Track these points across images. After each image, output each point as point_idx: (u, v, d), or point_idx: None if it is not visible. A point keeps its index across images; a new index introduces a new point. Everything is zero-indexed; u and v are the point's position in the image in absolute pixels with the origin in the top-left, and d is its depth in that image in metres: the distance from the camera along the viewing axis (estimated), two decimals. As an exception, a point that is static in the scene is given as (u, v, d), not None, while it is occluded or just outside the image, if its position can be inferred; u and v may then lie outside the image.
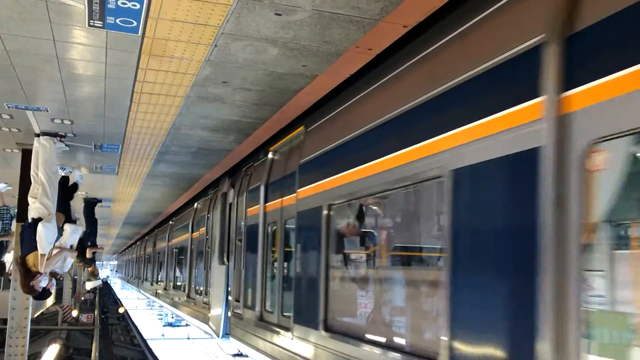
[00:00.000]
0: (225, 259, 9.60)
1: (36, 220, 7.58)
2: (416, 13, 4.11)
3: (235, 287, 8.81)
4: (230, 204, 9.63)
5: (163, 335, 34.91)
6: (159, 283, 20.22)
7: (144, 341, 28.16)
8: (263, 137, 7.99)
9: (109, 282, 70.04)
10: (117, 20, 4.33)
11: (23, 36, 4.73)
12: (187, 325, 27.20)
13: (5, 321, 9.48)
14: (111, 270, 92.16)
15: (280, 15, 4.19)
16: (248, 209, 8.26)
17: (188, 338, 30.87)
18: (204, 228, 11.86)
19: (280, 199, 6.85)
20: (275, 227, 7.06)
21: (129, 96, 6.27)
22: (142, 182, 12.61)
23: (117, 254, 57.69)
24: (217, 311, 9.95)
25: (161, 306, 26.14)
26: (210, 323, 10.57)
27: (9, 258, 9.80)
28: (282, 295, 6.79)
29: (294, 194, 6.20)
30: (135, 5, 4.09)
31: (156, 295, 20.89)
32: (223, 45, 4.80)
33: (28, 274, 7.57)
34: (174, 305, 16.32)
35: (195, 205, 13.72)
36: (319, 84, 5.68)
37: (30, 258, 7.61)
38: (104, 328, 26.90)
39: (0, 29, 4.60)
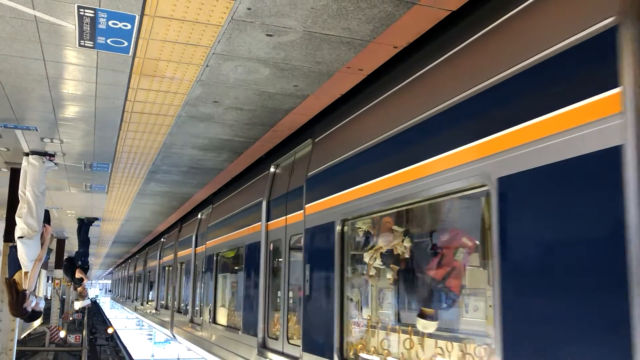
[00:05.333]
0: None
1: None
2: (406, 34, 4.13)
3: None
4: None
5: (153, 355, 34.48)
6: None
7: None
8: (255, 155, 7.98)
9: (97, 301, 69.25)
10: (108, 41, 4.32)
11: (13, 56, 4.71)
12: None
13: (-10, 343, 9.29)
14: (100, 290, 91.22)
15: (271, 36, 4.20)
16: None
17: (178, 359, 30.46)
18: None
19: None
20: None
21: (119, 115, 6.25)
22: (133, 201, 12.53)
23: (109, 270, 56.91)
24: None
25: (150, 326, 24.13)
26: None
27: None
28: None
29: None
30: (126, 26, 4.08)
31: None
32: (214, 66, 4.81)
33: (18, 295, 7.48)
34: None
35: (200, 215, 10.73)
36: (310, 104, 5.70)
37: (15, 277, 7.53)
38: (92, 349, 26.44)
39: (-10, 49, 4.58)
